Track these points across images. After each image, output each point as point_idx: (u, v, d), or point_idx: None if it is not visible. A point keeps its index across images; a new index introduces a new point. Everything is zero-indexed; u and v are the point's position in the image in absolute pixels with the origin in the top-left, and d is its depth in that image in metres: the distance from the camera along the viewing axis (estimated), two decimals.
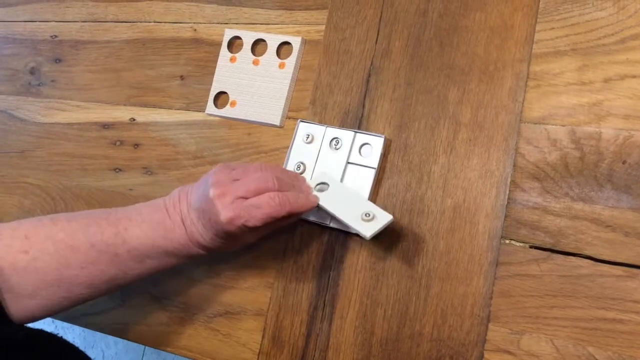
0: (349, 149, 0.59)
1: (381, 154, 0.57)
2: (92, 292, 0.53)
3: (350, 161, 0.59)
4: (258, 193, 0.51)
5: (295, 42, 0.65)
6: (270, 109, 0.65)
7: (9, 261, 0.49)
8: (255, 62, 0.67)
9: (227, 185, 0.51)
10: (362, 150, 0.59)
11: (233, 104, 0.67)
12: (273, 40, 0.66)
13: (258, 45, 0.68)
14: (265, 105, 0.65)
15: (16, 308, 0.50)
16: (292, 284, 0.59)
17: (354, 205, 0.54)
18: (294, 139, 0.62)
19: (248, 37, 0.68)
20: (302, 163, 0.60)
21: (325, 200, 0.55)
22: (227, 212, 0.50)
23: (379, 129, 0.58)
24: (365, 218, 0.52)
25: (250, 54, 0.68)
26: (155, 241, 0.52)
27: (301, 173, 0.60)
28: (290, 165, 0.61)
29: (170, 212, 0.54)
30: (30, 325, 0.52)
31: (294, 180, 0.55)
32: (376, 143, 0.58)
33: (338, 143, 0.59)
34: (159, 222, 0.53)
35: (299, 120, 0.62)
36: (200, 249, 0.54)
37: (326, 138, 0.60)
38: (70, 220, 0.53)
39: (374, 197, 0.57)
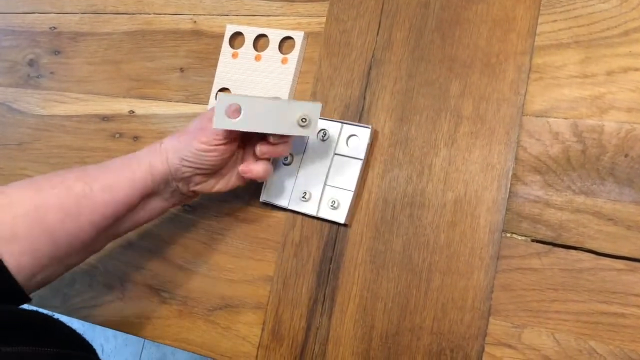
0: (336, 140, 0.59)
1: (368, 145, 0.57)
2: (64, 219, 0.52)
3: (337, 152, 0.58)
4: None
5: (298, 36, 0.64)
6: None
7: None
8: (258, 58, 0.67)
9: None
10: (349, 141, 0.58)
11: None
12: (275, 35, 0.66)
13: (260, 41, 0.67)
14: None
15: (10, 261, 0.49)
16: (291, 277, 0.59)
17: (282, 115, 0.53)
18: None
19: (250, 33, 0.68)
20: (290, 154, 0.60)
21: (249, 122, 0.52)
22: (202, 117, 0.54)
23: (379, 121, 0.58)
24: (302, 124, 0.53)
25: (252, 49, 0.67)
26: (123, 172, 0.54)
27: (289, 164, 0.60)
28: None
29: (134, 154, 0.56)
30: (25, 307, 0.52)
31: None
32: (363, 134, 0.57)
33: (325, 135, 0.59)
34: (124, 163, 0.55)
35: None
36: (162, 156, 0.55)
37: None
38: (46, 174, 0.55)
39: (360, 189, 0.57)
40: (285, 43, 0.66)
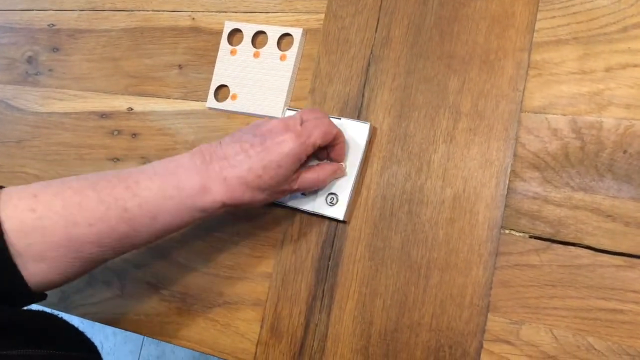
0: (271, 44, 0.60)
1: (366, 142, 0.57)
2: (104, 252, 0.50)
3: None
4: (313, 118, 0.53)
5: (296, 33, 0.64)
6: (272, 102, 0.64)
7: (16, 222, 0.46)
8: (256, 55, 0.67)
9: (285, 118, 0.53)
10: (348, 137, 0.58)
11: (234, 97, 0.66)
12: (274, 32, 0.66)
13: (259, 37, 0.67)
14: (266, 98, 0.65)
15: (28, 272, 0.47)
16: (290, 274, 0.59)
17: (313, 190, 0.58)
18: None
19: (248, 30, 0.67)
20: None
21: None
22: (290, 132, 0.50)
23: (378, 118, 0.58)
24: (329, 202, 0.56)
25: (251, 46, 0.67)
26: (166, 192, 0.49)
27: None
28: None
29: (186, 160, 0.51)
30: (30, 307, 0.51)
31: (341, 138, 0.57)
32: (362, 130, 0.57)
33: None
34: (171, 171, 0.50)
35: (285, 108, 0.62)
36: (222, 197, 0.50)
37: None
38: (80, 178, 0.50)
39: (358, 186, 0.57)
40: (284, 40, 0.66)
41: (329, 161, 0.57)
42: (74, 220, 0.47)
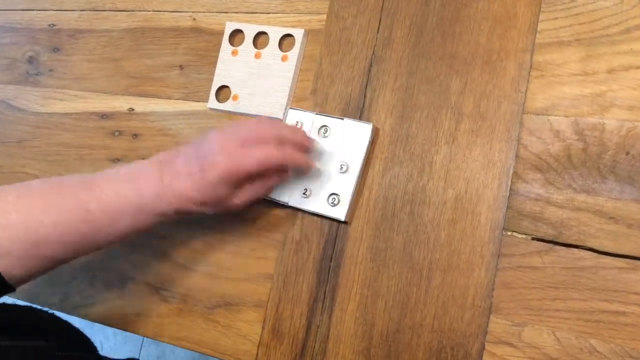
0: (337, 137, 0.59)
1: (369, 142, 0.57)
2: (66, 251, 0.53)
3: (338, 149, 0.58)
4: (257, 140, 0.53)
5: (298, 34, 0.64)
6: (273, 103, 0.64)
7: None
8: (257, 55, 0.66)
9: (228, 134, 0.53)
10: (350, 138, 0.58)
11: (235, 98, 0.66)
12: (275, 33, 0.66)
13: (260, 38, 0.67)
14: (268, 99, 0.65)
15: None
16: (292, 275, 0.59)
17: (315, 191, 0.59)
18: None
19: (249, 30, 0.67)
20: None
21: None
22: (225, 155, 0.51)
23: (380, 119, 0.58)
24: (331, 203, 0.57)
25: (252, 47, 0.67)
26: (127, 196, 0.52)
27: None
28: None
29: (145, 166, 0.54)
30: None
31: (294, 134, 0.56)
32: (364, 131, 0.57)
33: (327, 131, 0.59)
34: (133, 176, 0.53)
35: (287, 108, 0.62)
36: (174, 205, 0.53)
37: (315, 125, 0.60)
38: (45, 182, 0.54)
39: (360, 186, 0.57)
40: (285, 40, 0.65)
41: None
42: (39, 220, 0.50)
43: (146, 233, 0.66)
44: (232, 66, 0.67)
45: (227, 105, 0.66)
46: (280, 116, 0.63)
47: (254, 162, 0.52)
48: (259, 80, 0.66)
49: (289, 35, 0.65)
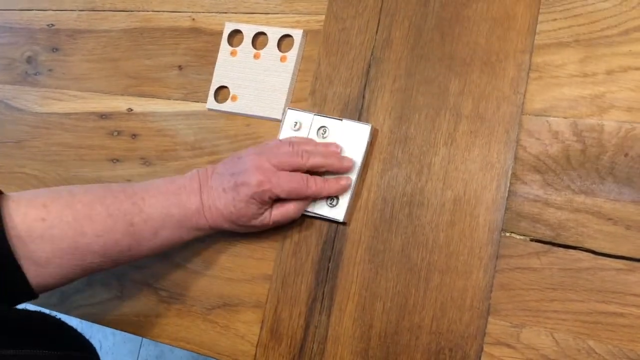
0: (335, 138, 0.59)
1: (367, 143, 0.57)
2: (105, 262, 0.53)
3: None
4: (291, 166, 0.55)
5: (297, 34, 0.64)
6: (272, 103, 0.64)
7: (25, 228, 0.49)
8: (256, 56, 0.66)
9: (262, 154, 0.55)
10: (348, 139, 0.58)
11: (234, 98, 0.66)
12: (274, 33, 0.66)
13: (259, 38, 0.67)
14: (266, 99, 0.65)
15: (31, 275, 0.50)
16: (290, 275, 0.59)
17: None
18: (282, 126, 0.62)
19: (248, 30, 0.67)
20: None
21: None
22: (258, 174, 0.53)
23: (378, 120, 0.58)
24: (329, 204, 0.57)
25: (251, 47, 0.67)
26: (169, 210, 0.54)
27: None
28: None
29: (186, 182, 0.56)
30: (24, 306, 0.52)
31: (326, 159, 0.56)
32: (362, 132, 0.57)
33: (325, 132, 0.59)
34: (174, 192, 0.55)
35: (286, 109, 0.62)
36: (210, 221, 0.55)
37: (314, 126, 0.60)
38: (87, 191, 0.54)
39: (359, 187, 0.57)
40: (284, 41, 0.65)
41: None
42: (82, 231, 0.51)
43: None
44: (231, 66, 0.67)
45: (226, 106, 0.66)
46: (279, 117, 0.63)
47: (284, 189, 0.54)
48: (258, 81, 0.66)
49: (287, 35, 0.65)
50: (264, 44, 0.66)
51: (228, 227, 0.56)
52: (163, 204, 0.54)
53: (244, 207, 0.54)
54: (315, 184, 0.55)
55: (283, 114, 0.63)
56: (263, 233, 0.61)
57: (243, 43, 0.67)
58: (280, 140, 0.57)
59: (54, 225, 0.50)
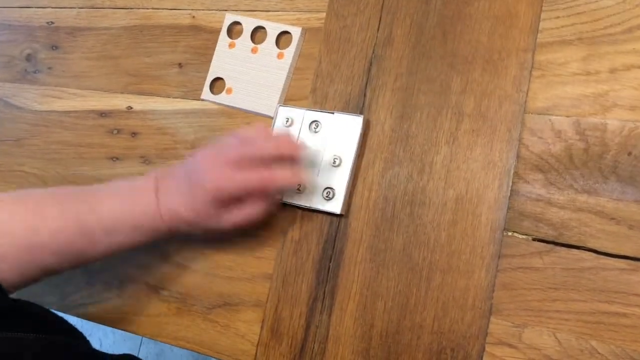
0: (328, 130, 0.59)
1: (360, 134, 0.57)
2: (61, 263, 0.53)
3: (329, 143, 0.58)
4: (243, 159, 0.53)
5: (295, 32, 0.64)
6: (265, 99, 0.64)
7: None
8: (254, 50, 0.66)
9: (213, 153, 0.54)
10: (342, 131, 0.58)
11: (229, 91, 0.66)
12: (273, 29, 0.65)
13: (258, 33, 0.67)
14: (260, 94, 0.64)
15: None
16: (291, 275, 0.58)
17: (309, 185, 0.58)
18: (274, 123, 0.62)
19: (248, 24, 0.67)
20: None
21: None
22: (211, 174, 0.52)
23: (380, 118, 0.58)
24: (326, 197, 0.57)
25: (250, 41, 0.67)
26: (123, 212, 0.53)
27: None
28: None
29: (142, 183, 0.55)
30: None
31: (278, 149, 0.54)
32: (355, 124, 0.57)
33: (318, 126, 0.59)
34: (129, 194, 0.54)
35: (278, 106, 0.62)
36: (167, 223, 0.54)
37: (305, 121, 0.60)
38: (45, 191, 0.55)
39: (354, 179, 0.57)
40: (283, 37, 0.65)
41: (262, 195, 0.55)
42: (36, 228, 0.51)
43: None
44: (229, 59, 0.67)
45: (221, 98, 0.66)
46: (271, 114, 0.63)
47: (235, 185, 0.52)
48: (253, 76, 0.65)
49: (286, 32, 0.64)
50: (263, 39, 0.66)
51: (186, 230, 0.55)
52: (116, 205, 0.53)
53: (201, 209, 0.53)
54: (270, 174, 0.53)
55: (275, 112, 0.62)
56: (263, 232, 0.60)
57: (242, 36, 0.67)
58: (231, 136, 0.56)
59: (6, 221, 0.50)
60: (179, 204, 0.53)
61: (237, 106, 0.65)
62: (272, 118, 0.63)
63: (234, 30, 0.68)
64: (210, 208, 0.53)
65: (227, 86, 0.67)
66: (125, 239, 0.54)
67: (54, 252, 0.52)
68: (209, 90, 0.67)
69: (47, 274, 0.54)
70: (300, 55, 0.64)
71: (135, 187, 0.55)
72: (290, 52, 0.64)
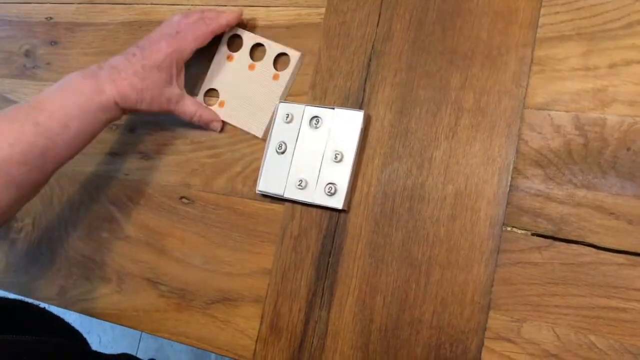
0: (329, 126, 0.58)
1: (361, 130, 0.57)
2: (31, 171, 0.54)
3: (330, 138, 0.58)
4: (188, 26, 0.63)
5: (294, 56, 0.63)
6: (256, 120, 0.64)
7: None
8: (251, 67, 0.65)
9: (163, 27, 0.63)
10: (342, 127, 0.58)
11: (222, 104, 0.66)
12: (272, 49, 0.65)
13: (257, 50, 0.66)
14: (251, 114, 0.64)
15: None
16: (290, 270, 0.58)
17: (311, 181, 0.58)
18: (274, 119, 0.61)
19: (249, 39, 0.66)
20: (283, 142, 0.60)
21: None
22: (165, 40, 0.60)
23: (379, 113, 0.58)
24: (328, 192, 0.57)
25: (248, 57, 0.66)
26: (67, 100, 0.56)
27: (283, 152, 0.60)
28: (272, 145, 0.61)
29: (78, 74, 0.58)
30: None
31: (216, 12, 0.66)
32: (356, 119, 0.57)
33: (318, 122, 0.59)
34: (67, 84, 0.57)
35: (279, 102, 0.62)
36: (114, 96, 0.58)
37: (305, 117, 0.60)
38: None
39: (356, 175, 0.57)
40: (281, 58, 0.65)
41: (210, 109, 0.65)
42: None
43: (143, 227, 0.66)
44: (225, 71, 0.67)
45: (213, 109, 0.66)
46: (259, 135, 0.63)
47: (192, 37, 0.61)
48: (247, 93, 0.65)
49: (285, 54, 0.64)
50: (261, 57, 0.65)
51: (135, 99, 0.59)
52: (60, 97, 0.56)
53: (155, 73, 0.59)
54: (213, 16, 0.63)
55: (275, 108, 0.62)
56: (262, 227, 0.60)
57: (241, 50, 0.66)
58: (179, 15, 0.64)
59: None
60: (128, 73, 0.58)
61: (227, 121, 0.65)
62: (259, 139, 0.63)
63: (234, 43, 0.68)
64: (164, 72, 0.60)
65: (220, 99, 0.66)
66: (80, 126, 0.56)
67: (20, 162, 0.52)
68: (202, 100, 0.67)
69: (24, 192, 0.55)
70: (294, 80, 0.64)
71: (74, 77, 0.58)
72: (286, 74, 0.63)
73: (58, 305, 0.68)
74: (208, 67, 0.68)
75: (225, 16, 0.64)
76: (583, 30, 0.51)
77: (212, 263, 0.62)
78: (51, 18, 0.81)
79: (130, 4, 0.76)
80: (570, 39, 0.52)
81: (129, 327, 0.65)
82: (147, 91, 0.59)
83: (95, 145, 0.72)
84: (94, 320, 0.67)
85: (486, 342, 0.50)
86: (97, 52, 0.76)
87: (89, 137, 0.59)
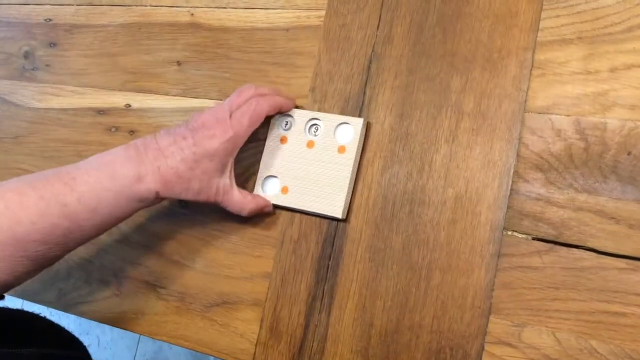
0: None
1: (361, 137, 0.57)
2: (50, 249, 0.51)
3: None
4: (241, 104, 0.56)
5: (357, 124, 0.57)
6: (330, 199, 0.57)
7: None
8: (310, 144, 0.59)
9: (218, 107, 0.56)
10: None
11: (284, 190, 0.59)
12: (329, 122, 0.58)
13: (310, 124, 0.60)
14: (323, 194, 0.57)
15: None
16: (290, 274, 0.58)
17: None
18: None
19: (300, 116, 0.60)
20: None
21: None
22: (220, 126, 0.54)
23: (379, 117, 0.57)
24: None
25: (304, 134, 0.60)
26: (103, 183, 0.51)
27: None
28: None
29: (120, 151, 0.53)
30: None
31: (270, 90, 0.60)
32: (356, 126, 0.57)
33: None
34: (106, 164, 0.52)
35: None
36: (156, 186, 0.52)
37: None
38: (19, 179, 0.52)
39: (355, 183, 0.57)
40: (340, 127, 0.58)
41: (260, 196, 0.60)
42: (17, 219, 0.49)
43: (142, 230, 0.66)
44: (281, 155, 0.60)
45: (276, 198, 0.60)
46: (339, 215, 0.56)
47: (247, 122, 0.55)
48: (312, 173, 0.58)
49: (345, 123, 0.58)
50: (316, 131, 0.59)
51: (180, 191, 0.53)
52: (95, 179, 0.51)
53: (207, 161, 0.53)
54: (267, 102, 0.57)
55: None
56: (262, 230, 0.60)
57: (293, 128, 0.60)
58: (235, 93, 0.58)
59: None
60: (175, 161, 0.52)
61: (297, 207, 0.59)
62: (340, 219, 0.57)
63: (283, 121, 0.62)
64: (215, 162, 0.54)
65: (282, 185, 0.60)
66: (109, 213, 0.52)
67: (40, 241, 0.50)
68: (261, 189, 0.61)
69: (39, 266, 0.52)
70: (299, 53, 0.64)
71: (113, 156, 0.53)
72: (353, 146, 0.57)
73: (56, 308, 0.68)
74: (210, 59, 0.67)
75: (281, 100, 0.59)
76: (584, 34, 0.51)
77: (212, 266, 0.62)
78: (50, 19, 0.81)
79: (129, 6, 0.76)
80: (571, 42, 0.52)
81: (128, 330, 0.65)
82: (194, 181, 0.53)
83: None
84: (93, 322, 0.67)
85: (486, 347, 0.50)
86: (96, 54, 0.76)
87: (118, 222, 0.54)
